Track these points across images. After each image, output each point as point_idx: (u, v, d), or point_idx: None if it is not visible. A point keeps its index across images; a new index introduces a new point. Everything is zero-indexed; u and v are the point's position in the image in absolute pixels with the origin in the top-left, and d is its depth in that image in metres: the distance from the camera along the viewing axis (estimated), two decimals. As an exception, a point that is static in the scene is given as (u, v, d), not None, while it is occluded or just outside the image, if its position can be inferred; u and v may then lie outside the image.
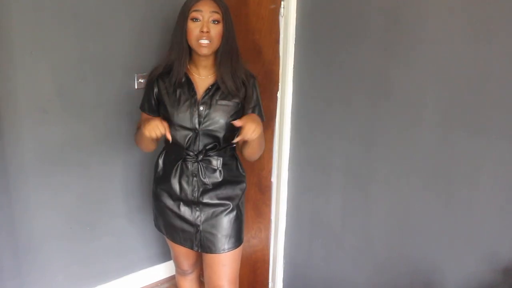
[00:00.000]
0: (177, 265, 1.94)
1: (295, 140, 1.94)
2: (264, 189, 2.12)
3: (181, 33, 1.58)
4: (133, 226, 2.41)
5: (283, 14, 1.85)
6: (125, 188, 2.33)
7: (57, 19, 1.93)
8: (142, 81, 2.23)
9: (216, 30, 1.56)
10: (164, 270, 2.60)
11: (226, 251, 1.71)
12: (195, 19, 1.55)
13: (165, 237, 1.83)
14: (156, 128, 1.54)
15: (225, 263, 1.73)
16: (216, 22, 1.56)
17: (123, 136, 2.24)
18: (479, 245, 1.39)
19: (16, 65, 1.86)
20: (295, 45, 1.85)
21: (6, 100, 1.87)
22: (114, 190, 2.29)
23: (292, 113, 1.91)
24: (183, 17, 1.58)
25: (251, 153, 1.70)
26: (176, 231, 1.75)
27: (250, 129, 1.51)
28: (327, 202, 1.85)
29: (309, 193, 1.92)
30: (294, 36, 1.84)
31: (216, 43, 1.58)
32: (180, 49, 1.60)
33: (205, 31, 1.54)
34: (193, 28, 1.55)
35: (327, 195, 1.84)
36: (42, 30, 1.90)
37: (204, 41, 1.55)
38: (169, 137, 1.57)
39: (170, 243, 1.83)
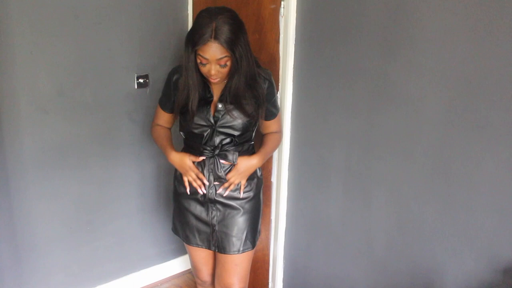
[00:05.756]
0: (197, 275, 1.93)
1: (295, 140, 1.94)
2: (264, 189, 2.11)
3: (188, 63, 1.53)
4: (133, 226, 2.41)
5: (283, 14, 1.85)
6: (125, 189, 2.33)
7: (57, 19, 1.93)
8: (142, 81, 2.23)
9: (225, 69, 1.52)
10: (164, 270, 2.60)
11: (241, 252, 1.73)
12: (201, 63, 1.51)
13: (185, 245, 1.84)
14: (194, 177, 1.66)
15: (237, 263, 1.75)
16: (225, 66, 1.51)
17: (123, 136, 2.24)
18: (479, 245, 1.39)
19: (16, 65, 1.86)
20: (295, 45, 1.85)
21: (6, 100, 1.86)
22: (114, 190, 2.29)
23: (292, 113, 1.91)
24: (188, 51, 1.50)
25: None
26: (192, 232, 1.76)
27: (233, 182, 1.67)
28: (327, 202, 1.85)
29: (309, 193, 1.92)
30: (294, 36, 1.84)
31: (227, 75, 1.56)
32: (191, 76, 1.56)
33: (213, 74, 1.51)
34: (201, 67, 1.52)
35: (327, 195, 1.84)
36: (42, 30, 1.90)
37: (214, 80, 1.54)
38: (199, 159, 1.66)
39: (188, 249, 1.84)
